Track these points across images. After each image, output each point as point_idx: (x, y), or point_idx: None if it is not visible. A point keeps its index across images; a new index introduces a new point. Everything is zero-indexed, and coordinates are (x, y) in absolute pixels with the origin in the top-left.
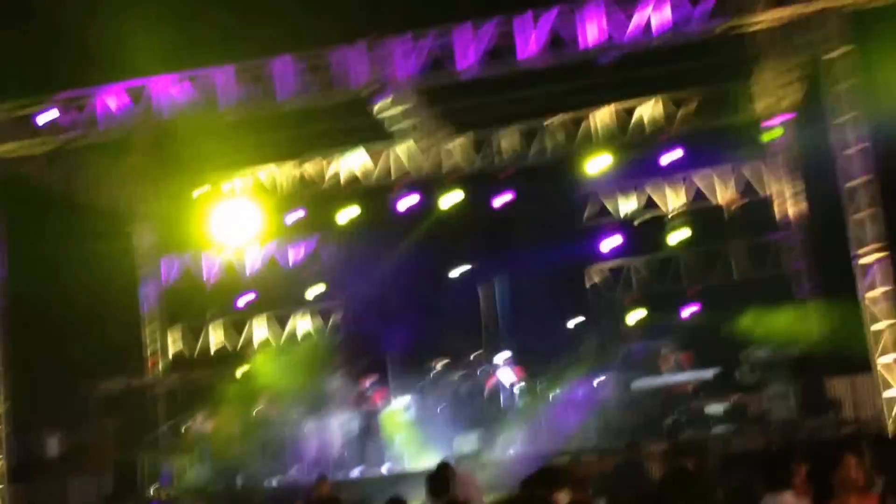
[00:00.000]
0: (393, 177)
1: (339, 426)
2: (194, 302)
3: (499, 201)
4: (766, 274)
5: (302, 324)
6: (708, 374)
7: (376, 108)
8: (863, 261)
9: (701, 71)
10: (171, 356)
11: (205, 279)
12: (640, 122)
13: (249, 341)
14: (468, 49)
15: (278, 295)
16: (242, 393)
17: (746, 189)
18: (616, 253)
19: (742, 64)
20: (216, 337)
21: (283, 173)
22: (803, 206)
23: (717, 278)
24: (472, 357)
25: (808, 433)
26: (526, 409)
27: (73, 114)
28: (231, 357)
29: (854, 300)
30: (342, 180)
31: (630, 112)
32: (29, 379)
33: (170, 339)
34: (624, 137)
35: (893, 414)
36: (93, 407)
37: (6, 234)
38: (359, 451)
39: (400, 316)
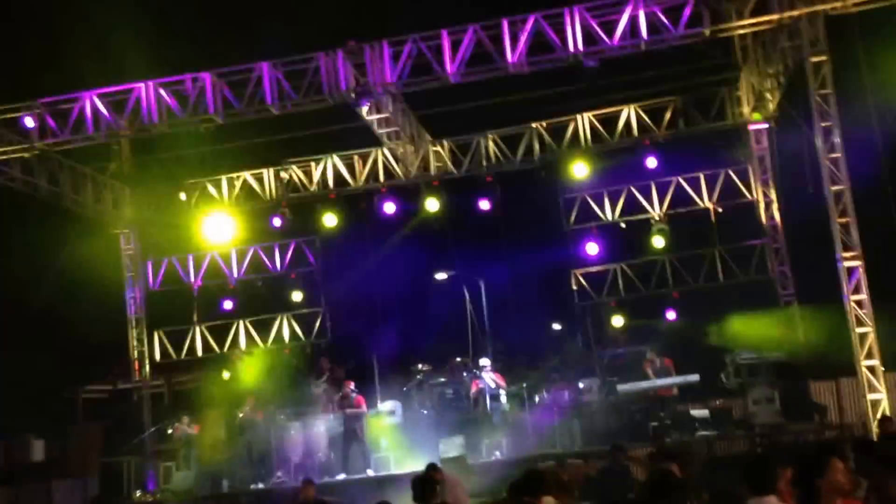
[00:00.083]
0: (376, 182)
1: (323, 430)
2: (179, 306)
3: (483, 205)
4: (750, 278)
5: (285, 328)
6: (692, 378)
7: (361, 113)
8: (847, 264)
9: (684, 76)
10: (156, 360)
11: (190, 283)
12: (624, 127)
13: (234, 345)
14: (452, 55)
15: (263, 299)
16: (227, 397)
17: (728, 194)
18: (600, 257)
19: (725, 69)
20: (201, 340)
21: (266, 178)
22: (786, 210)
23: (700, 282)
24: (456, 361)
25: (793, 437)
26: (510, 413)
27: (59, 119)
28: (216, 361)
29: (838, 304)
30: (326, 185)
31: (614, 117)
32: (14, 382)
33: (155, 343)
34: (607, 142)
35: (878, 417)
36: (78, 411)
37: None
38: (343, 454)
39: (384, 320)
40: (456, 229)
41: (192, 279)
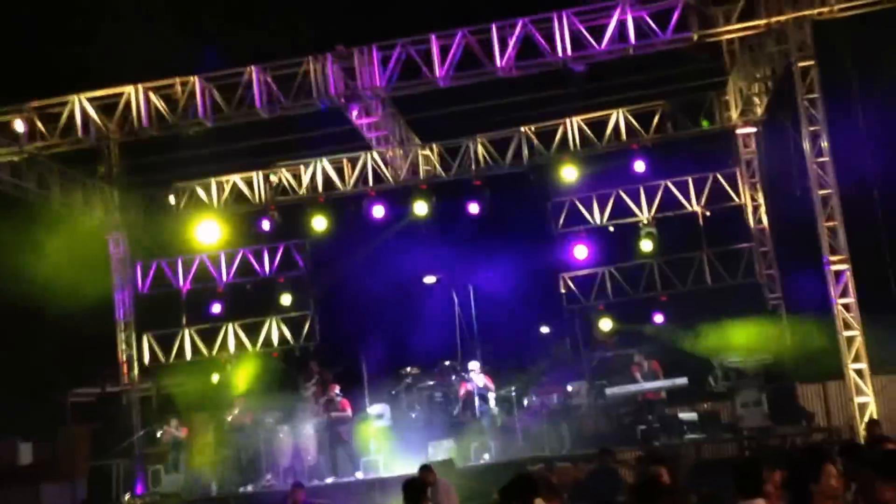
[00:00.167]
0: (365, 185)
1: (312, 433)
2: (168, 309)
3: (472, 209)
4: (738, 282)
5: (274, 332)
6: (680, 381)
7: (350, 117)
8: (834, 268)
9: (672, 81)
10: (144, 363)
11: (178, 287)
12: (612, 131)
13: (223, 348)
14: (441, 59)
15: (251, 302)
16: (216, 400)
17: (716, 197)
18: (588, 260)
19: (713, 74)
20: (190, 344)
21: (256, 181)
22: (773, 214)
23: (688, 286)
24: (445, 364)
25: (780, 440)
26: (499, 417)
27: (48, 122)
28: (205, 364)
29: (825, 308)
30: (315, 188)
31: (601, 121)
32: (2, 385)
33: (143, 346)
34: (596, 146)
35: (864, 420)
36: (66, 414)
37: None
38: (330, 458)
39: (373, 323)
40: (445, 233)
41: (181, 282)
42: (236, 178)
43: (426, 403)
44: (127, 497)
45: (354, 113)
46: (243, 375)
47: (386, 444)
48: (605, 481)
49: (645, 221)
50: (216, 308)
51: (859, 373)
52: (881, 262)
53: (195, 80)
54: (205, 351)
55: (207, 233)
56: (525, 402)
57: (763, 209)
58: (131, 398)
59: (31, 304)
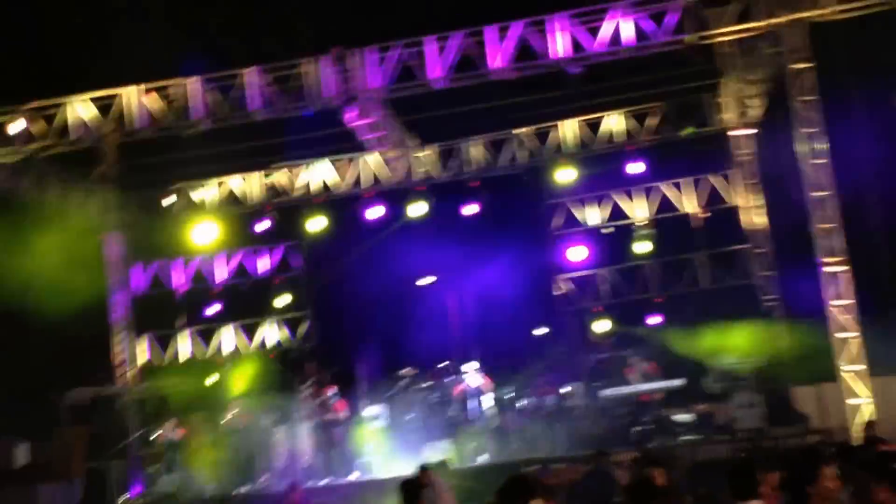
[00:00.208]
0: (362, 186)
1: (308, 434)
2: (164, 310)
3: (467, 210)
4: (734, 283)
5: (270, 333)
6: (676, 382)
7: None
8: (828, 269)
9: (667, 83)
10: (141, 364)
11: (174, 288)
12: (607, 133)
13: (218, 350)
14: (437, 61)
15: (248, 303)
16: (212, 401)
17: (712, 199)
18: (584, 262)
19: (708, 76)
20: (185, 345)
21: (251, 183)
22: (770, 215)
23: (684, 287)
24: (440, 366)
25: (775, 442)
26: (495, 418)
27: (43, 123)
28: (201, 365)
29: (822, 309)
30: (311, 190)
31: (597, 123)
32: None
33: (139, 348)
34: (591, 148)
35: (857, 421)
36: (62, 415)
37: None
38: (325, 460)
39: (370, 325)
40: (441, 234)
41: (177, 283)
42: (233, 179)
43: (422, 405)
44: (123, 498)
45: (348, 116)
46: (240, 377)
47: (382, 446)
48: (600, 483)
49: (641, 223)
50: (213, 309)
51: (854, 375)
52: (878, 264)
53: (192, 82)
54: (201, 352)
55: (204, 234)
56: (520, 404)
57: (759, 211)
58: (127, 400)
59: (27, 305)
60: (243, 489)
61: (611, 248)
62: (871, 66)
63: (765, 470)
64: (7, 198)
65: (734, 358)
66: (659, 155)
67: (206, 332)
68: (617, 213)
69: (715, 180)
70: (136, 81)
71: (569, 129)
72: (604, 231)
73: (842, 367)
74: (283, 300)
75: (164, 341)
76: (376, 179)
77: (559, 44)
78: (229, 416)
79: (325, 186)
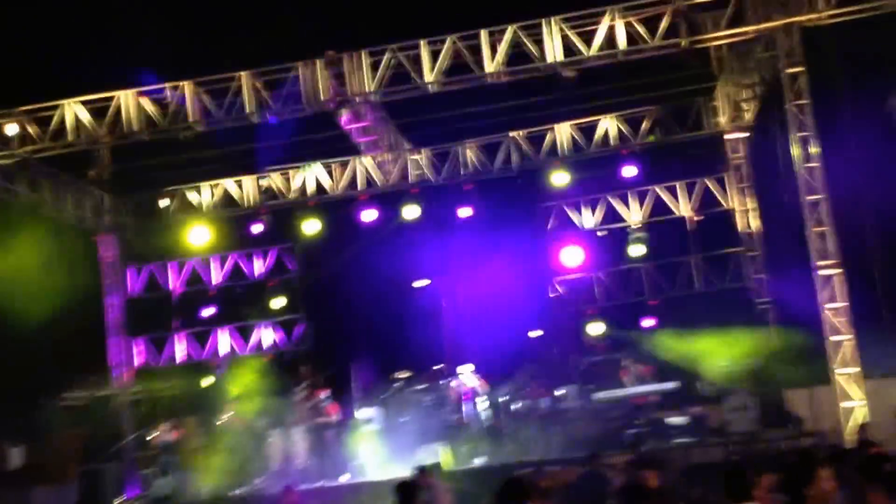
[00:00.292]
0: (357, 189)
1: (303, 437)
2: (159, 312)
3: (462, 213)
4: (727, 286)
5: (265, 335)
6: (669, 385)
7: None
8: (822, 273)
9: (662, 86)
10: (135, 366)
11: (169, 290)
12: (602, 137)
13: (214, 352)
14: (431, 65)
15: (243, 306)
16: (207, 403)
17: (706, 202)
18: (578, 265)
19: (703, 80)
20: (181, 347)
21: (246, 185)
22: (763, 219)
23: (678, 290)
24: (435, 369)
25: (768, 445)
26: (489, 421)
27: (39, 126)
28: (195, 367)
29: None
30: (306, 192)
31: (591, 126)
32: None
33: (134, 350)
34: (585, 151)
35: (850, 425)
36: (57, 417)
37: None
38: (318, 463)
39: (364, 327)
40: (435, 237)
41: (172, 286)
42: (227, 182)
43: (417, 407)
44: (119, 501)
45: (344, 118)
46: (234, 379)
47: (376, 449)
48: (594, 485)
49: (635, 226)
50: (207, 312)
51: (847, 378)
52: (871, 267)
53: (186, 85)
54: (196, 355)
55: (198, 236)
56: (515, 406)
57: (753, 214)
58: (122, 401)
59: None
60: (238, 491)
61: (605, 250)
62: (864, 70)
63: (758, 472)
64: (2, 200)
65: (727, 361)
66: (653, 158)
67: (201, 334)
68: (611, 217)
69: (709, 183)
70: (131, 85)
71: (563, 133)
72: (598, 234)
73: (835, 370)
74: (277, 303)
75: (158, 343)
76: (371, 182)
77: (553, 48)
78: (224, 418)
79: (320, 189)
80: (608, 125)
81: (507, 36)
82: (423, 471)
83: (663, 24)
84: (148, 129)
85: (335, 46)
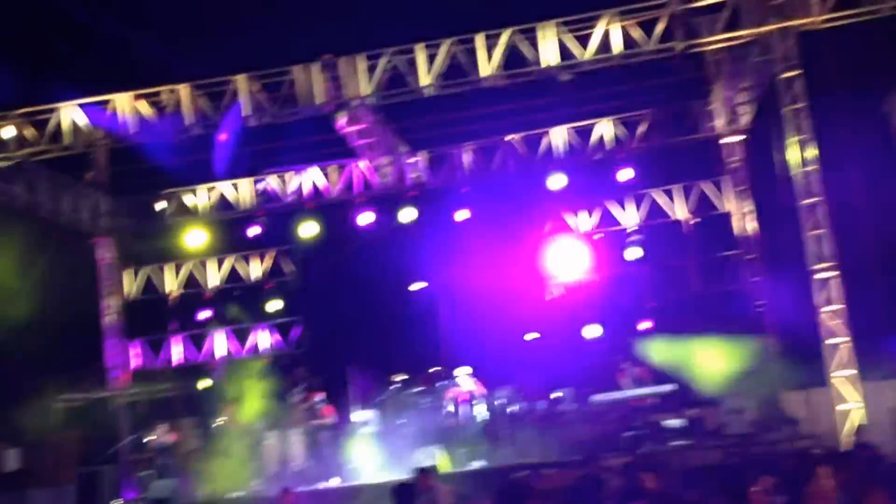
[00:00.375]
0: (353, 192)
1: (300, 439)
2: (156, 314)
3: (459, 216)
4: (723, 290)
5: (262, 338)
6: (667, 388)
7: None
8: (819, 276)
9: (658, 90)
10: (132, 368)
11: (166, 292)
12: (598, 140)
13: (211, 354)
14: (427, 68)
15: (240, 308)
16: (204, 405)
17: (703, 206)
18: (575, 268)
19: (699, 83)
20: (178, 349)
21: (243, 188)
22: (760, 222)
23: (675, 293)
24: (433, 371)
25: (765, 447)
26: (486, 423)
27: (37, 128)
28: (193, 370)
29: (810, 315)
30: (303, 195)
31: (588, 130)
32: None
33: (131, 352)
34: (582, 154)
35: (847, 427)
36: (53, 419)
37: None
38: (314, 465)
39: (361, 330)
40: (432, 240)
41: (169, 288)
42: (224, 185)
43: (413, 410)
44: (116, 503)
45: (341, 121)
46: (231, 381)
47: (372, 452)
48: (591, 488)
49: (631, 229)
50: (204, 314)
51: (844, 380)
52: (867, 269)
53: (183, 88)
54: (193, 357)
55: (195, 239)
56: (512, 409)
57: (749, 217)
58: (119, 404)
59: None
60: (235, 494)
61: (602, 254)
62: (861, 74)
63: (756, 474)
64: None
65: (724, 363)
66: (649, 161)
67: (197, 337)
68: (608, 220)
69: (705, 187)
70: (128, 88)
71: (559, 136)
72: (595, 237)
73: (832, 373)
74: (274, 305)
75: (155, 346)
76: (368, 185)
77: (549, 51)
78: (221, 420)
79: (317, 192)
80: (604, 128)
81: (504, 39)
82: (422, 472)
83: (659, 27)
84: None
85: (332, 50)
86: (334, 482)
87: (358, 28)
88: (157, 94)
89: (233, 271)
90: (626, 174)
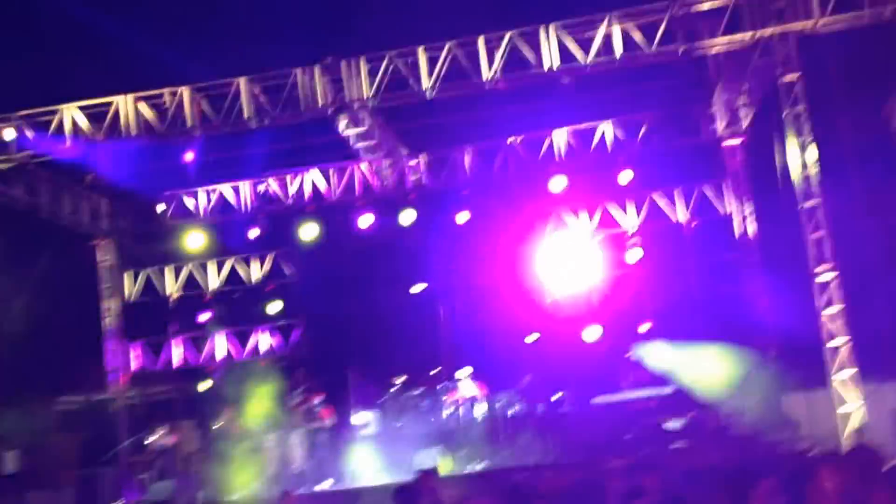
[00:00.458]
0: (354, 194)
1: (299, 441)
2: (156, 316)
3: (460, 219)
4: (724, 292)
5: (262, 340)
6: (666, 389)
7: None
8: (820, 279)
9: (659, 92)
10: (132, 370)
11: (166, 294)
12: (600, 142)
13: (211, 356)
14: (428, 71)
15: (240, 310)
16: (204, 407)
17: (704, 208)
18: (575, 271)
19: (700, 86)
20: (178, 352)
21: (244, 190)
22: (760, 224)
23: (675, 296)
24: (431, 374)
25: (766, 448)
26: (486, 425)
27: (37, 130)
28: (192, 372)
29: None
30: (303, 197)
31: (589, 132)
32: None
33: (131, 354)
34: (583, 157)
35: (847, 428)
36: (53, 422)
37: None
38: (314, 467)
39: (361, 332)
40: (433, 242)
41: (169, 290)
42: (224, 187)
43: (414, 412)
44: None
45: (342, 123)
46: (231, 383)
47: (372, 454)
48: (592, 490)
49: (631, 232)
50: (204, 316)
51: (845, 381)
52: (868, 272)
53: (184, 91)
54: (193, 359)
55: (195, 241)
56: (512, 411)
57: (750, 220)
58: (118, 406)
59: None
60: (235, 496)
61: (602, 256)
62: (862, 77)
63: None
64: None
65: (724, 365)
66: (650, 164)
67: (198, 339)
68: (608, 222)
69: (706, 189)
70: (129, 90)
71: (560, 138)
72: (595, 240)
73: (833, 375)
74: (274, 307)
75: (156, 348)
76: (368, 187)
77: (550, 54)
78: (220, 422)
79: (317, 194)
80: (605, 131)
81: (505, 42)
82: (424, 474)
83: (660, 30)
84: (145, 134)
85: (333, 52)
86: (326, 485)
87: (359, 30)
88: (158, 96)
89: (233, 273)
90: (626, 176)
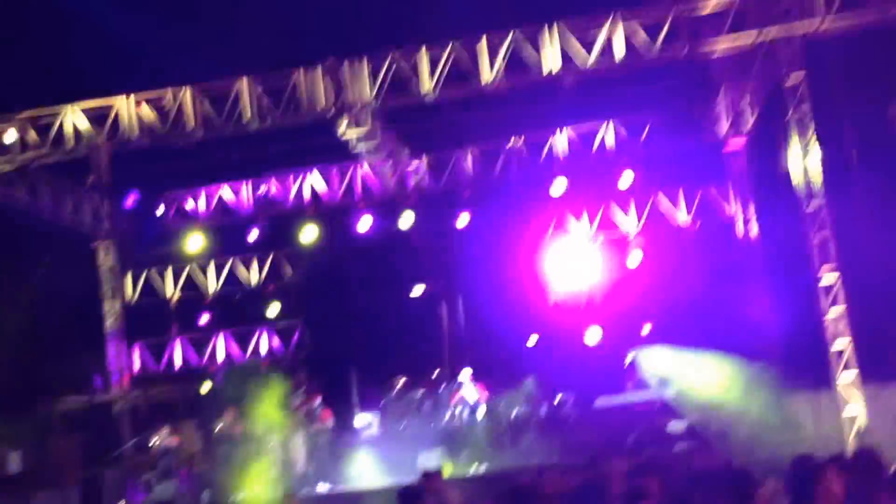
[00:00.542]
0: (354, 197)
1: (301, 443)
2: (157, 318)
3: (461, 220)
4: (726, 294)
5: (263, 341)
6: (668, 391)
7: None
8: (823, 281)
9: (661, 94)
10: (134, 372)
11: (168, 296)
12: (601, 144)
13: (212, 357)
14: (430, 72)
15: (240, 311)
16: (206, 408)
17: (706, 210)
18: (577, 272)
19: (702, 88)
20: (179, 353)
21: (244, 192)
22: (763, 226)
23: (678, 297)
24: (435, 374)
25: (770, 450)
26: (489, 427)
27: (39, 133)
28: (194, 373)
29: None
30: (303, 199)
31: (590, 133)
32: None
33: (133, 356)
34: (585, 158)
35: (851, 430)
36: (56, 423)
37: None
38: (314, 469)
39: (362, 334)
40: (434, 244)
41: (170, 292)
42: (225, 189)
43: (415, 414)
44: None
45: (343, 125)
46: (232, 385)
47: (374, 455)
48: (594, 492)
49: (634, 233)
50: (205, 317)
51: (848, 384)
52: (870, 272)
53: (186, 92)
54: (194, 360)
55: (196, 242)
56: (514, 413)
57: (753, 222)
58: (121, 408)
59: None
60: (238, 497)
61: (604, 258)
62: (866, 78)
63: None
64: (1, 206)
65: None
66: (652, 166)
67: (199, 340)
68: (609, 224)
69: (709, 192)
70: (131, 91)
71: (562, 140)
72: (597, 241)
73: (837, 378)
74: (275, 308)
75: (157, 349)
76: (368, 189)
77: (552, 55)
78: (222, 424)
79: (318, 196)
80: (607, 133)
81: (507, 43)
82: (428, 476)
83: (664, 31)
84: (147, 135)
85: (334, 53)
86: (324, 487)
87: (360, 32)
88: (159, 97)
89: (234, 274)
90: (627, 178)
